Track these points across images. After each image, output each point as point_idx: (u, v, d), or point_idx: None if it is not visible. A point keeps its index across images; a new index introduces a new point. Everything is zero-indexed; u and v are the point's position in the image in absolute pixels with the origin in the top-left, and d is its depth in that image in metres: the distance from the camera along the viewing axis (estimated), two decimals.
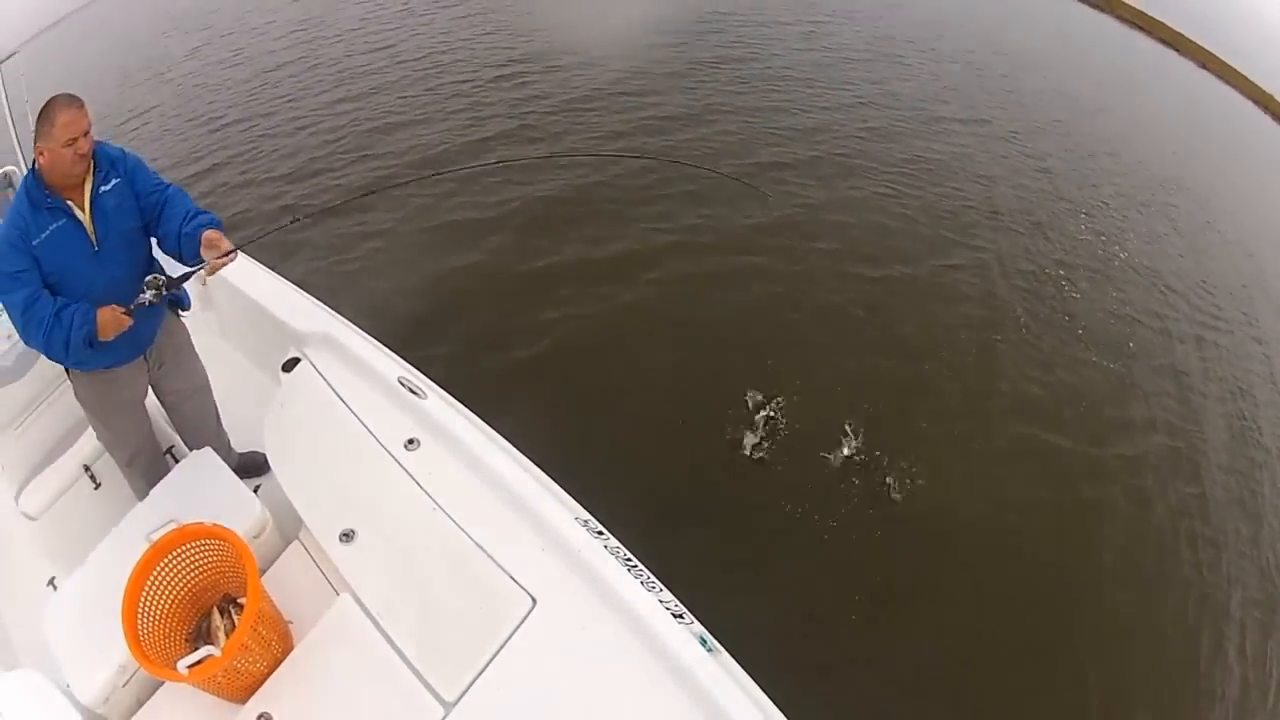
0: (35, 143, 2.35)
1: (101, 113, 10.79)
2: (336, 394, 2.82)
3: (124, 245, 2.55)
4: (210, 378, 3.19)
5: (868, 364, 5.57)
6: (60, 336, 2.38)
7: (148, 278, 2.50)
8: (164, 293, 2.46)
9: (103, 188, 2.49)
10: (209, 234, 2.45)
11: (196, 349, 3.15)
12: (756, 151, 8.37)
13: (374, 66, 10.64)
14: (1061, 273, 7.39)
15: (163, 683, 2.30)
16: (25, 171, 2.55)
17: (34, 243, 2.38)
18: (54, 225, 2.40)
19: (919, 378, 5.60)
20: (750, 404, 5.10)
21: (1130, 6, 20.02)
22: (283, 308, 3.35)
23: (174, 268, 2.60)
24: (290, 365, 2.99)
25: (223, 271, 3.49)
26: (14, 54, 4.25)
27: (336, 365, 2.95)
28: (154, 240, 2.66)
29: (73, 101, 2.32)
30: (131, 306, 2.43)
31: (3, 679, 2.51)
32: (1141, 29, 19.79)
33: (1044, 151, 9.99)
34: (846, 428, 4.98)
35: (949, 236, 7.47)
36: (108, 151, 2.51)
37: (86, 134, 2.34)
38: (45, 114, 2.32)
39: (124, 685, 2.33)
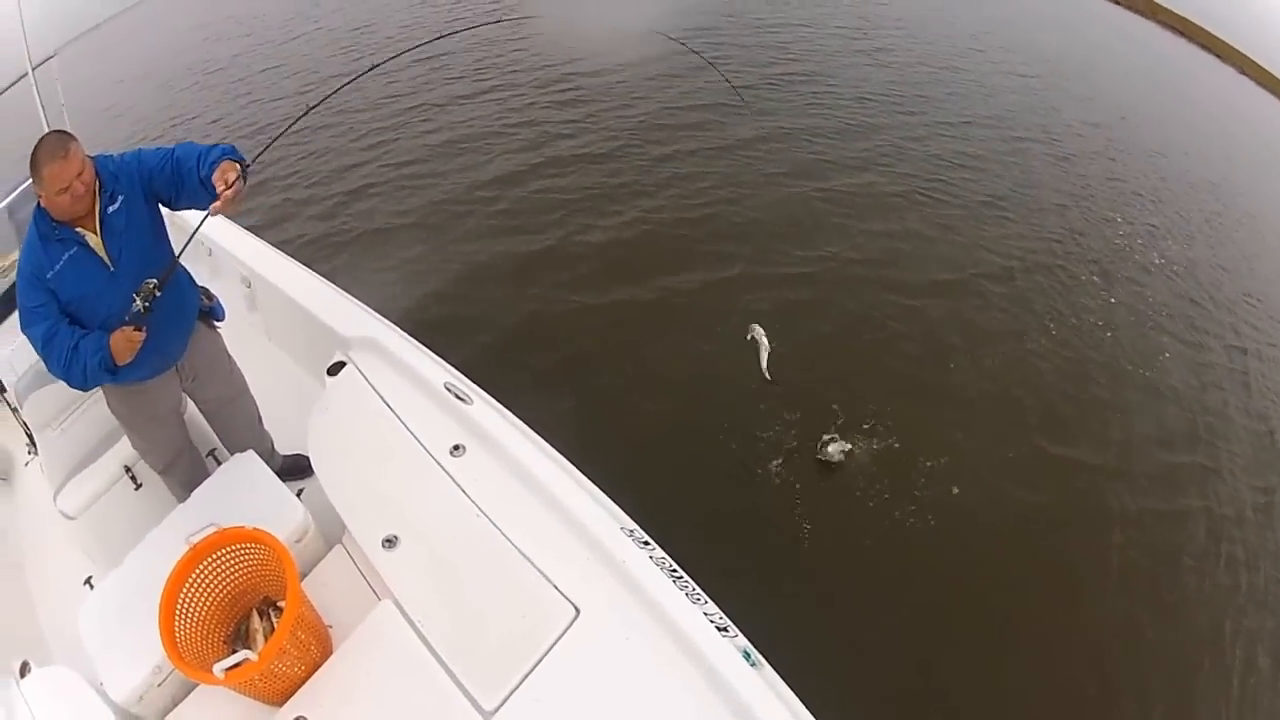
0: (33, 184, 2.34)
1: (139, 116, 11.01)
2: (382, 398, 2.81)
3: (140, 260, 2.51)
4: (255, 379, 3.19)
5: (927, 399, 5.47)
6: (78, 368, 2.40)
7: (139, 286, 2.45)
8: (155, 295, 2.39)
9: (110, 208, 2.45)
10: (221, 167, 2.42)
11: (244, 349, 3.15)
12: (828, 175, 8.19)
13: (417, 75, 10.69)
14: (1096, 279, 7.24)
15: (198, 683, 2.28)
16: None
17: (48, 275, 2.38)
18: (66, 255, 2.40)
19: (960, 397, 5.51)
20: (796, 418, 5.06)
21: (1171, 11, 19.64)
22: (329, 311, 3.35)
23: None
24: (335, 369, 2.99)
25: (270, 275, 3.50)
26: (50, 58, 4.32)
27: (382, 369, 2.95)
28: (191, 208, 2.62)
29: (58, 151, 2.28)
30: (127, 318, 2.39)
31: (36, 675, 2.53)
32: (1182, 34, 19.44)
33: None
34: (894, 445, 4.93)
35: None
36: (109, 169, 2.48)
37: (80, 175, 2.30)
38: (33, 162, 2.29)
39: (159, 685, 2.33)
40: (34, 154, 2.28)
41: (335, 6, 14.52)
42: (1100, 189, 9.05)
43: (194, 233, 2.48)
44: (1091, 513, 4.88)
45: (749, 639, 2.06)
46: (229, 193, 2.35)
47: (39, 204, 2.40)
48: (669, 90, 9.77)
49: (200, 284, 2.91)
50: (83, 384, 2.47)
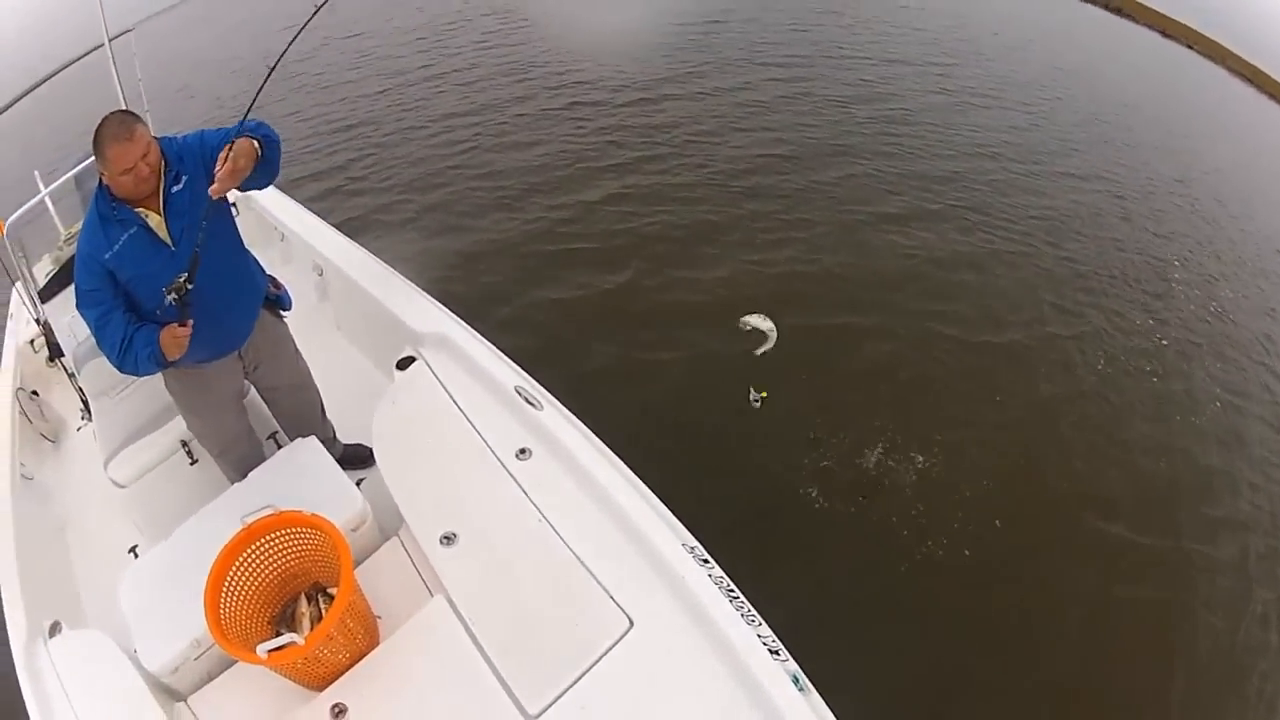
0: (96, 161, 2.32)
1: (213, 99, 11.22)
2: (450, 396, 2.81)
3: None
4: (321, 368, 3.20)
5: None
6: (130, 359, 2.42)
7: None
8: (186, 289, 2.34)
9: (174, 188, 2.42)
10: (233, 144, 2.32)
11: (312, 337, 3.15)
12: (882, 200, 8.10)
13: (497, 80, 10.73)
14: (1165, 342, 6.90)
15: (235, 660, 2.30)
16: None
17: (105, 256, 2.37)
18: (125, 235, 2.38)
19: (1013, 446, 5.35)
20: (854, 448, 4.99)
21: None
22: (401, 305, 3.36)
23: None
24: (405, 364, 3.00)
25: (342, 265, 3.48)
26: (128, 31, 4.35)
27: (453, 368, 2.95)
28: (251, 188, 2.60)
29: (121, 133, 2.25)
30: (159, 312, 2.39)
31: (67, 636, 2.56)
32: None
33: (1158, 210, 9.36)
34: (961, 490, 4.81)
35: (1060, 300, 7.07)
36: (173, 149, 2.45)
37: (145, 157, 2.27)
38: (96, 142, 2.26)
39: (195, 659, 2.36)
40: (97, 133, 2.26)
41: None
42: (1190, 253, 8.57)
43: (203, 213, 2.38)
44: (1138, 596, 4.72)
45: (798, 664, 2.03)
46: (222, 171, 2.27)
47: (100, 181, 2.39)
48: (758, 119, 9.71)
49: (271, 271, 2.91)
50: (134, 372, 2.49)
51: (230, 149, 2.30)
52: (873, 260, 7.11)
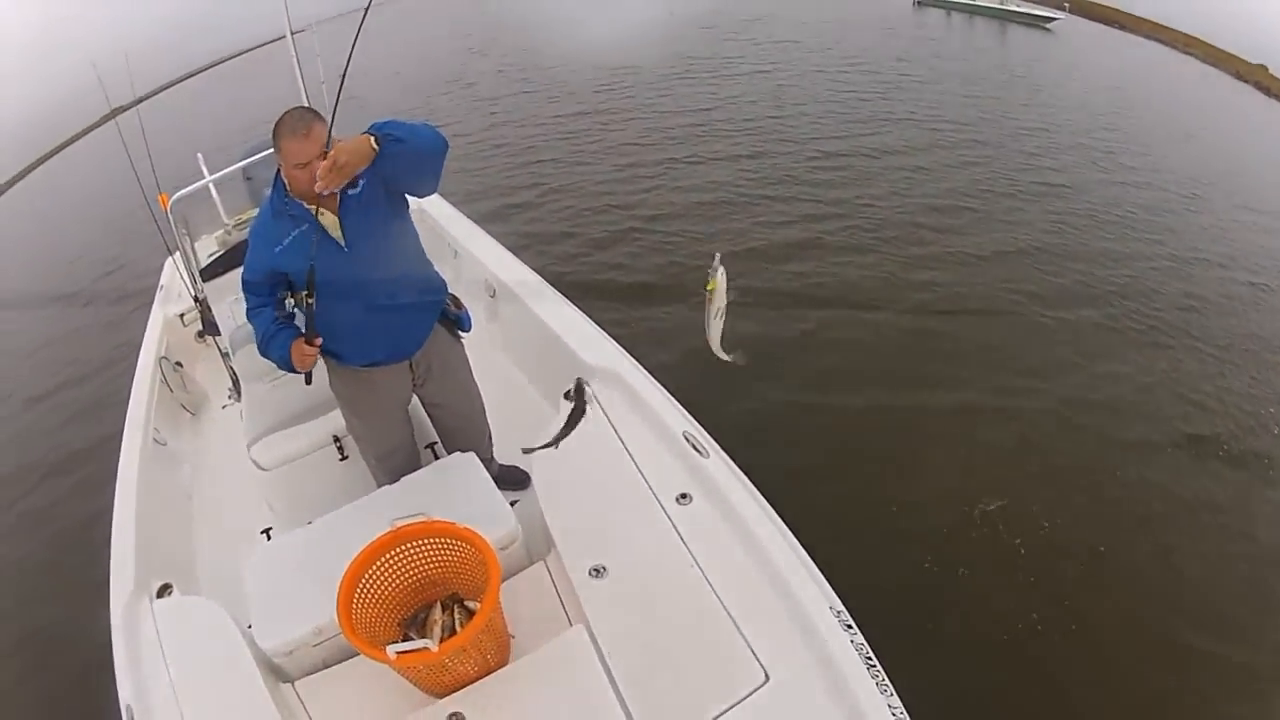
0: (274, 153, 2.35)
1: (389, 108, 11.75)
2: (616, 432, 2.83)
3: (374, 244, 2.50)
4: (481, 385, 3.24)
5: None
6: (272, 356, 2.55)
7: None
8: (309, 303, 2.38)
9: (351, 191, 2.42)
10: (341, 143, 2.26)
11: (478, 356, 3.17)
12: (1062, 302, 7.58)
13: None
14: None
15: (354, 653, 2.33)
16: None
17: (275, 250, 2.45)
18: (295, 231, 2.43)
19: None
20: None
21: None
22: (573, 336, 3.39)
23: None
24: (572, 394, 3.03)
25: (516, 290, 3.61)
26: (307, 28, 4.60)
27: (620, 404, 2.97)
28: (409, 192, 2.58)
29: (298, 128, 2.27)
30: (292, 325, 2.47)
31: (178, 600, 2.65)
32: None
33: None
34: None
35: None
36: None
37: (321, 156, 2.23)
38: (275, 134, 2.30)
39: (314, 645, 2.40)
40: (276, 126, 2.29)
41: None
42: None
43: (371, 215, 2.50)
44: None
45: None
46: (321, 166, 2.20)
47: (279, 174, 2.43)
48: (923, 185, 9.66)
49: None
50: (275, 365, 2.61)
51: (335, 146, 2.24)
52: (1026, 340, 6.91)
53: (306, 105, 2.54)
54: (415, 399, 3.09)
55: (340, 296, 2.46)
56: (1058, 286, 7.73)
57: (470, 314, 3.01)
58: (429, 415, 3.19)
